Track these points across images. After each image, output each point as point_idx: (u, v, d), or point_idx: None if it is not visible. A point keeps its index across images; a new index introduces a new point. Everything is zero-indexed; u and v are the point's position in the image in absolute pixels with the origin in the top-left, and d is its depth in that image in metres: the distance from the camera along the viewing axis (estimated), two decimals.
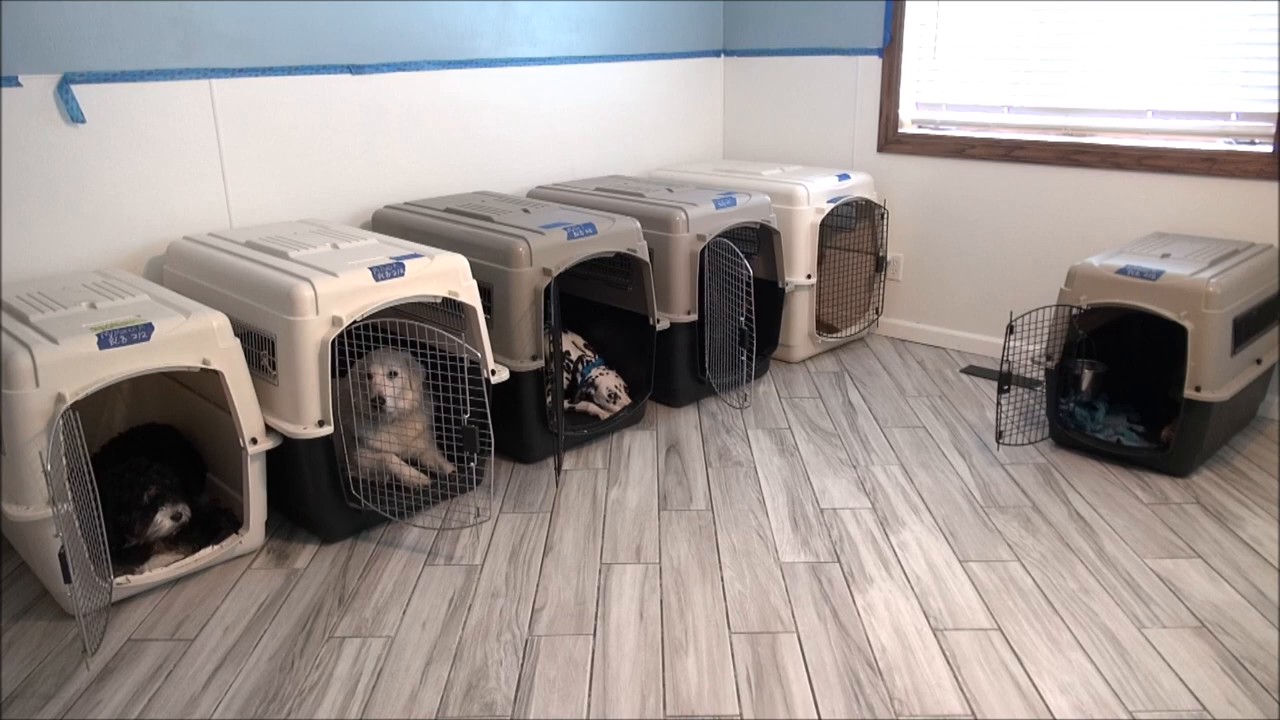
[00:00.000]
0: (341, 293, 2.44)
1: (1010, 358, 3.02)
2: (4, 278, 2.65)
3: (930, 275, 4.13)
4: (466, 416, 2.41)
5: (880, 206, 4.02)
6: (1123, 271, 2.90)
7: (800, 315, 3.85)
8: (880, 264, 4.08)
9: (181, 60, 2.89)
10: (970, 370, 3.88)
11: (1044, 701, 1.96)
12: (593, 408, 3.25)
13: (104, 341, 2.17)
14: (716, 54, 4.53)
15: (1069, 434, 3.09)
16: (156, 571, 2.35)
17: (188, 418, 2.74)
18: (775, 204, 3.67)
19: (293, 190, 3.23)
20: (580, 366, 3.31)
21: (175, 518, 2.36)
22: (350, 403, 2.61)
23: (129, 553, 2.36)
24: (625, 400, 3.27)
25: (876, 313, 4.16)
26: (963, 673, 2.05)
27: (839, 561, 2.49)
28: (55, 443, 2.07)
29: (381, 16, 3.32)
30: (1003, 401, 3.10)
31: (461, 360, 2.49)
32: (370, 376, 2.61)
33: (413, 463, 2.74)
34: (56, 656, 2.14)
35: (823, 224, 3.81)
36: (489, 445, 2.52)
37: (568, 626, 2.23)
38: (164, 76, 2.86)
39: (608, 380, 3.27)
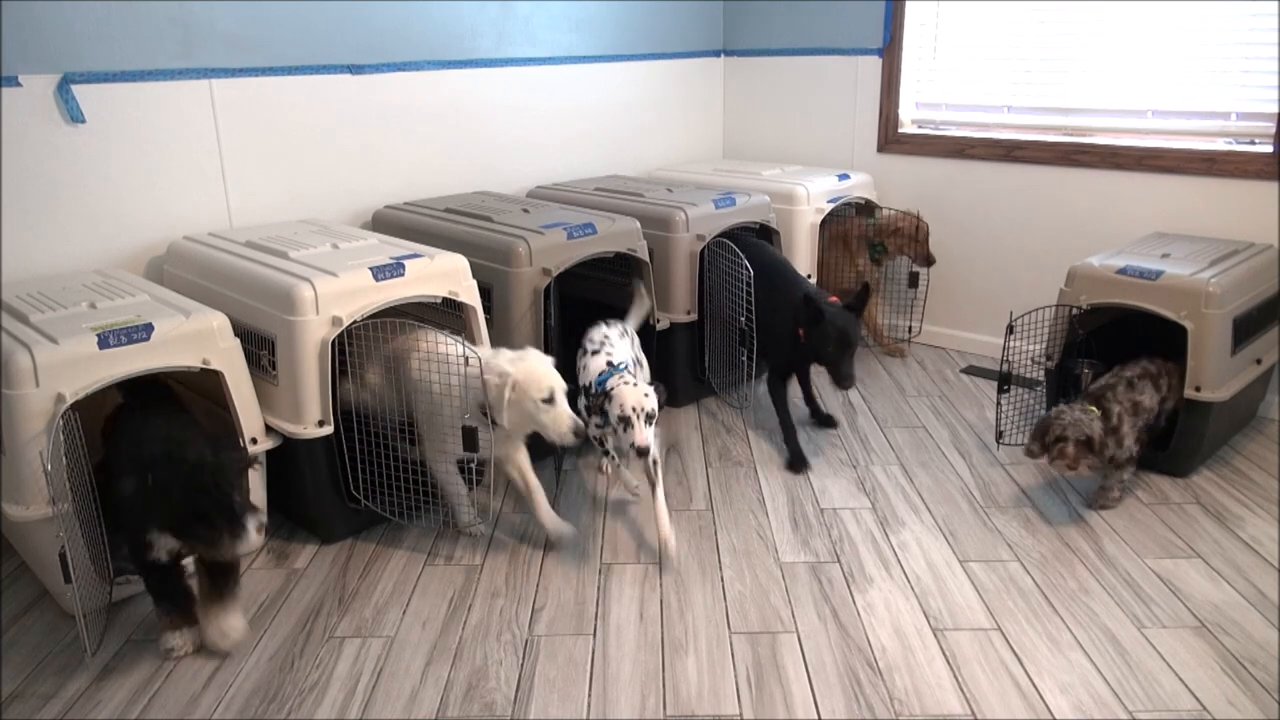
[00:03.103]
0: (341, 293, 2.44)
1: (1010, 358, 3.02)
2: (4, 278, 2.65)
3: (930, 275, 4.12)
4: (466, 416, 2.40)
5: (876, 206, 4.02)
6: (1123, 271, 2.90)
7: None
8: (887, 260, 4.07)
9: (181, 60, 2.89)
10: (970, 370, 3.88)
11: (1044, 701, 1.96)
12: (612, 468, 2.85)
13: (104, 341, 2.17)
14: (716, 54, 4.53)
15: None
16: None
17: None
18: (775, 204, 3.67)
19: (293, 190, 3.23)
20: (591, 385, 2.65)
21: (260, 528, 1.98)
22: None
23: (172, 593, 2.13)
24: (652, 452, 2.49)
25: (909, 331, 4.16)
26: (963, 673, 2.05)
27: (839, 561, 2.49)
28: (55, 443, 2.07)
29: (381, 16, 3.32)
30: (1003, 401, 3.10)
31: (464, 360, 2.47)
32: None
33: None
34: (56, 656, 2.14)
35: (823, 224, 3.81)
36: (490, 447, 2.51)
37: (568, 626, 2.23)
38: (164, 76, 2.86)
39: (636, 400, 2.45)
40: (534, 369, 2.40)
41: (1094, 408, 2.60)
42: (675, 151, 4.47)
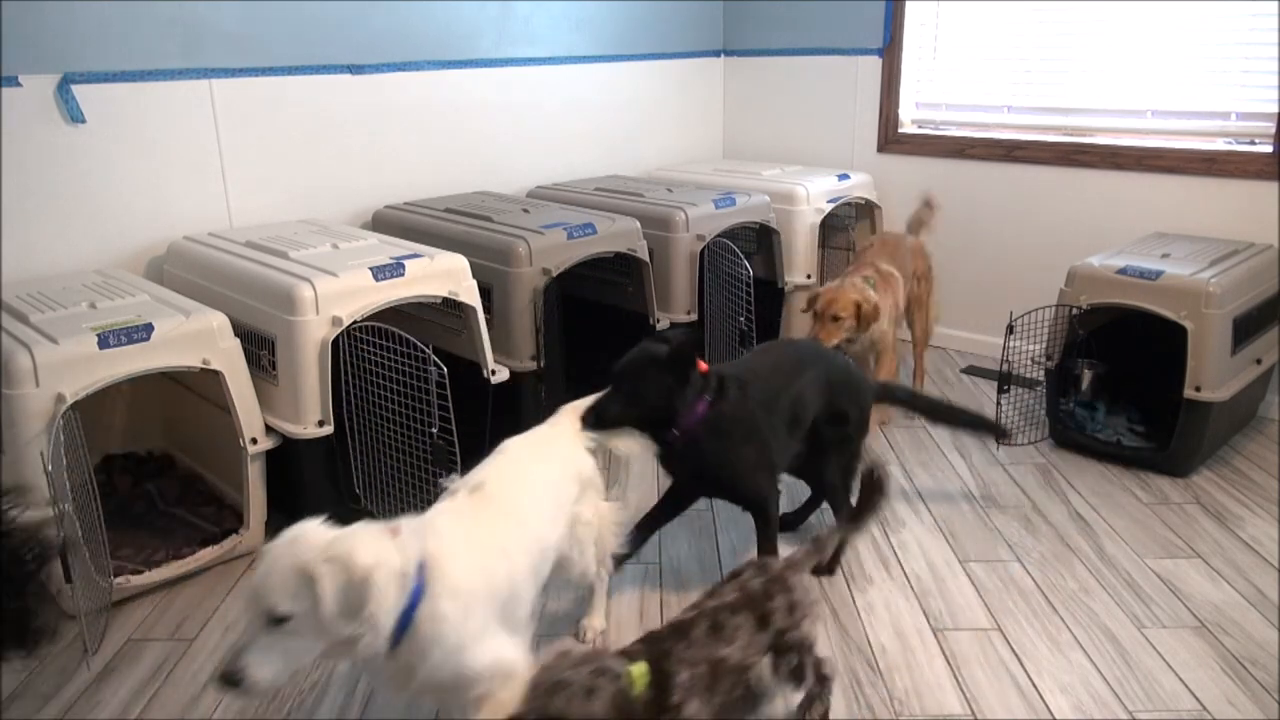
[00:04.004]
0: (341, 293, 2.44)
1: (1010, 358, 3.02)
2: (4, 278, 2.65)
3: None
4: (434, 430, 2.36)
5: (874, 204, 4.02)
6: (1123, 271, 2.90)
7: (800, 315, 3.84)
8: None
9: (182, 60, 2.89)
10: (970, 370, 3.88)
11: (1044, 701, 1.96)
12: None
13: (104, 341, 2.17)
14: (716, 54, 4.53)
15: (1069, 434, 3.09)
16: (156, 571, 2.35)
17: (187, 418, 2.74)
18: (775, 204, 3.67)
19: (293, 190, 3.22)
20: None
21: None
22: None
23: None
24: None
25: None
26: (963, 673, 2.05)
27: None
28: (56, 442, 2.07)
29: (381, 16, 3.32)
30: (1003, 401, 3.10)
31: (430, 371, 2.43)
32: None
33: None
34: (56, 656, 2.14)
35: (822, 224, 3.81)
36: (456, 462, 2.41)
37: (568, 626, 2.23)
38: (164, 76, 2.86)
39: None
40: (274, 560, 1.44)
41: (639, 667, 1.50)
42: (675, 151, 4.47)
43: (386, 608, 1.44)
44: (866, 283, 3.12)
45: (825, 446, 2.38)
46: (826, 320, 3.05)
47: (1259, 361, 2.99)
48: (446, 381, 2.34)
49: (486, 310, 2.81)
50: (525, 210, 3.24)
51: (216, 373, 2.34)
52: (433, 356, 2.35)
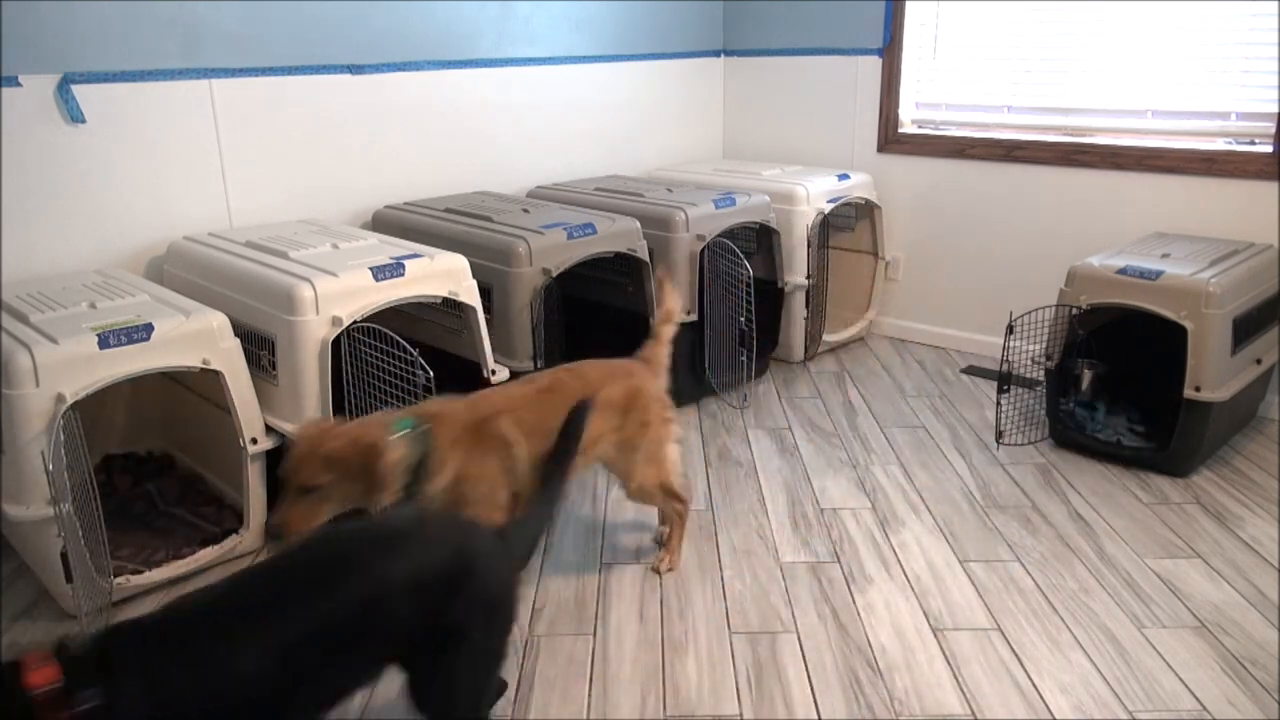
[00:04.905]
0: (341, 293, 2.44)
1: (1010, 358, 3.02)
2: (4, 278, 2.65)
3: (930, 275, 4.12)
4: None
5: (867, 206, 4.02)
6: (1123, 271, 2.90)
7: (800, 315, 3.84)
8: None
9: (182, 60, 2.89)
10: (970, 370, 3.88)
11: (1044, 701, 1.96)
12: None
13: (104, 341, 2.17)
14: (716, 54, 4.53)
15: (1069, 434, 3.09)
16: (157, 571, 2.35)
17: (187, 418, 2.74)
18: (775, 204, 3.67)
19: (293, 190, 3.23)
20: None
21: None
22: None
23: None
24: None
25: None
26: (963, 673, 2.05)
27: (839, 561, 2.49)
28: (56, 442, 2.07)
29: (381, 16, 3.32)
30: (1003, 401, 3.10)
31: (418, 375, 2.42)
32: None
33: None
34: None
35: (822, 224, 3.81)
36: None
37: (568, 626, 2.23)
38: (164, 76, 2.86)
39: None
40: None
41: None
42: (675, 151, 4.47)
43: None
44: (403, 426, 1.99)
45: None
46: (293, 493, 1.93)
47: (1259, 361, 2.99)
48: (433, 386, 2.33)
49: (486, 310, 2.81)
50: (525, 210, 3.24)
51: (216, 373, 2.34)
52: (420, 360, 2.35)
